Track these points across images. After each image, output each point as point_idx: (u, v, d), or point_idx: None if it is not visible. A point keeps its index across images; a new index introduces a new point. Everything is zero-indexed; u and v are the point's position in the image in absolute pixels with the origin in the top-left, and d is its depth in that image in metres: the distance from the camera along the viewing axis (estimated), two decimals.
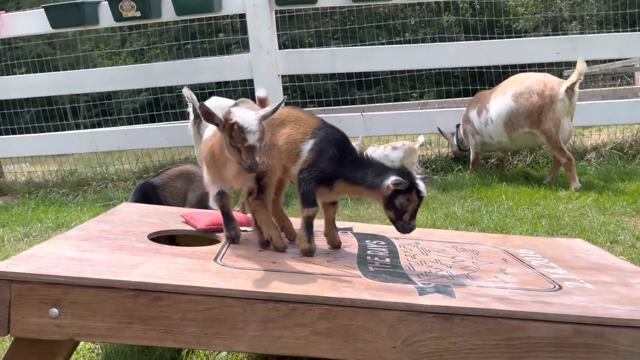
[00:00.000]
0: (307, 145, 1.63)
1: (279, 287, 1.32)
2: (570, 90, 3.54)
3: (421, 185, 1.58)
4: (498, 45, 4.72)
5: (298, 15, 6.43)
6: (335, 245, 1.76)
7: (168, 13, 4.47)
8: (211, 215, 1.84)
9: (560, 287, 1.50)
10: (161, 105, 6.25)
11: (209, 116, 1.42)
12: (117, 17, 4.42)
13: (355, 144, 1.74)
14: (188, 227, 1.86)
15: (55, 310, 1.21)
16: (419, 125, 4.52)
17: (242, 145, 1.39)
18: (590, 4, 11.72)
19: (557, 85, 3.60)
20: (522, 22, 12.99)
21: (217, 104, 3.45)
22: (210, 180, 1.65)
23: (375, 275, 1.49)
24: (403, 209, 1.58)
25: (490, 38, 5.24)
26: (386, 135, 4.68)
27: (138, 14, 4.34)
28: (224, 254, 1.55)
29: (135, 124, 6.54)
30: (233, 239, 1.66)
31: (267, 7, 4.39)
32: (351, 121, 4.48)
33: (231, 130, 1.40)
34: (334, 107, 5.59)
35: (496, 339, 1.27)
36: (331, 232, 1.75)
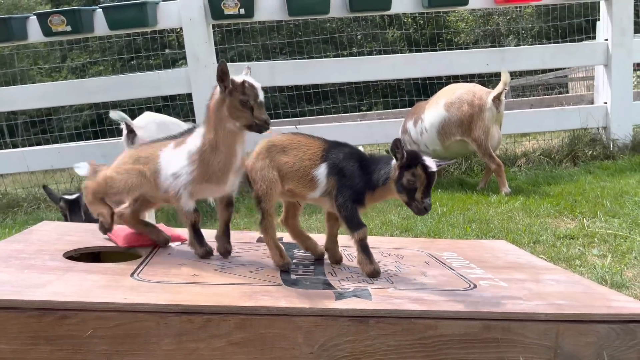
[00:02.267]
0: (321, 170, 1.62)
1: (193, 299, 1.30)
2: (497, 99, 3.70)
3: (427, 160, 1.53)
4: (432, 57, 4.89)
5: (244, 30, 6.42)
6: (337, 260, 1.74)
7: (101, 28, 4.35)
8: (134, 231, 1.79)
9: (475, 286, 1.56)
10: (105, 122, 6.05)
11: (224, 76, 1.50)
12: (47, 32, 4.26)
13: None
14: (110, 244, 1.81)
15: None
16: (357, 136, 4.57)
17: (255, 102, 1.49)
18: (525, 19, 12.36)
19: (485, 95, 3.76)
20: (462, 37, 13.53)
21: (151, 118, 3.39)
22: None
23: (295, 283, 1.50)
24: (412, 186, 1.53)
25: (433, 51, 5.40)
26: None
27: (68, 28, 4.20)
28: (143, 269, 1.52)
29: (78, 142, 6.31)
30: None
31: (203, 21, 4.37)
32: None
33: (243, 87, 1.49)
34: (274, 120, 5.59)
35: (411, 339, 1.30)
36: (333, 247, 1.74)
